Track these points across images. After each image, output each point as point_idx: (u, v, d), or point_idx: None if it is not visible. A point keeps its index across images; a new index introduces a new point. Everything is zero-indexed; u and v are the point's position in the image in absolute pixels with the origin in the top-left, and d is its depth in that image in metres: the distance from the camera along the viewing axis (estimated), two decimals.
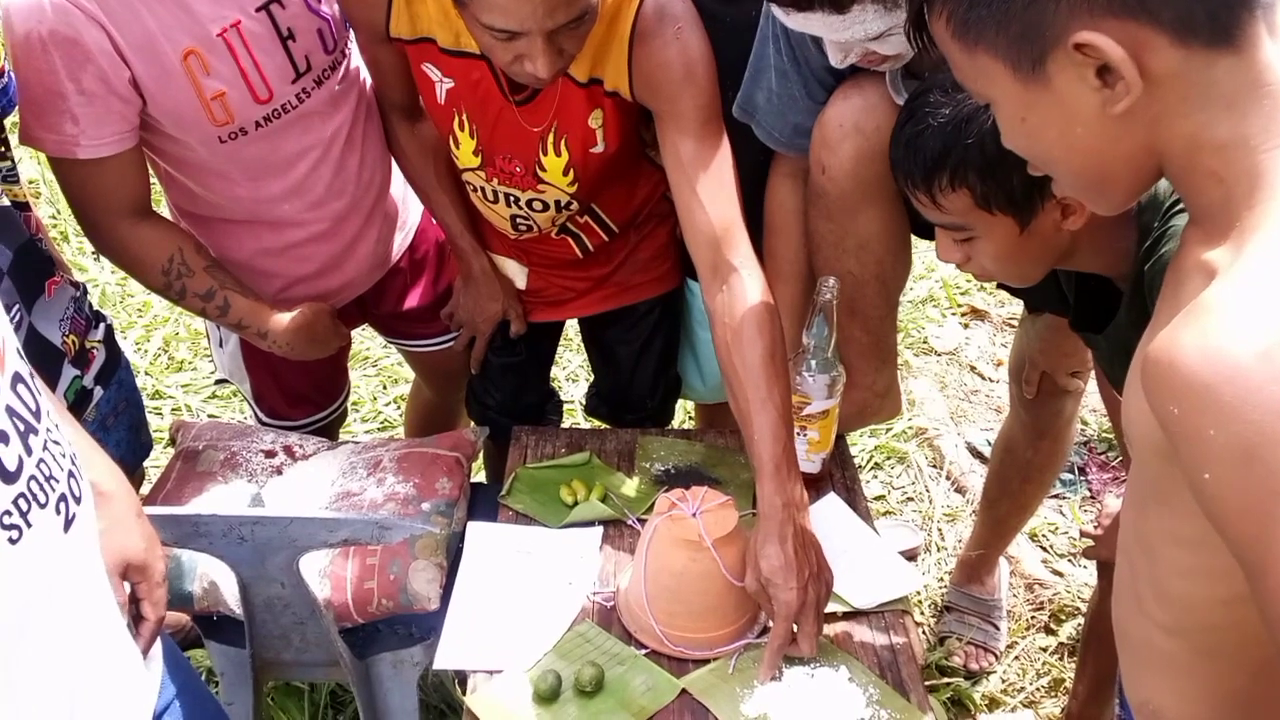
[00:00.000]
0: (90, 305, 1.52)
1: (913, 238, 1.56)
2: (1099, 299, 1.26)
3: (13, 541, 0.74)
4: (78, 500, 0.83)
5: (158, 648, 1.03)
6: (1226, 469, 0.64)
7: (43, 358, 1.37)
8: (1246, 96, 0.70)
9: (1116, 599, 0.92)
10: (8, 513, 0.74)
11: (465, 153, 1.53)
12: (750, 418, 1.30)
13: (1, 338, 0.78)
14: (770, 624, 1.25)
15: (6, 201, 1.34)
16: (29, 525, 0.76)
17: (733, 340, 1.33)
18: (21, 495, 0.75)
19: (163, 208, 1.66)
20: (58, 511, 0.80)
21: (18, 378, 0.78)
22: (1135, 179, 0.78)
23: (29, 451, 0.77)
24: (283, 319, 1.58)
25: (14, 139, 1.40)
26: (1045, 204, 1.12)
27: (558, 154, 1.47)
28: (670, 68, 1.35)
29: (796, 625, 1.23)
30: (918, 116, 1.16)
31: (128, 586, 1.01)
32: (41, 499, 0.77)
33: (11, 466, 0.75)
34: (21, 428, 0.77)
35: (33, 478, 0.77)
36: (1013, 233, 1.15)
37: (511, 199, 1.57)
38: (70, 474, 0.83)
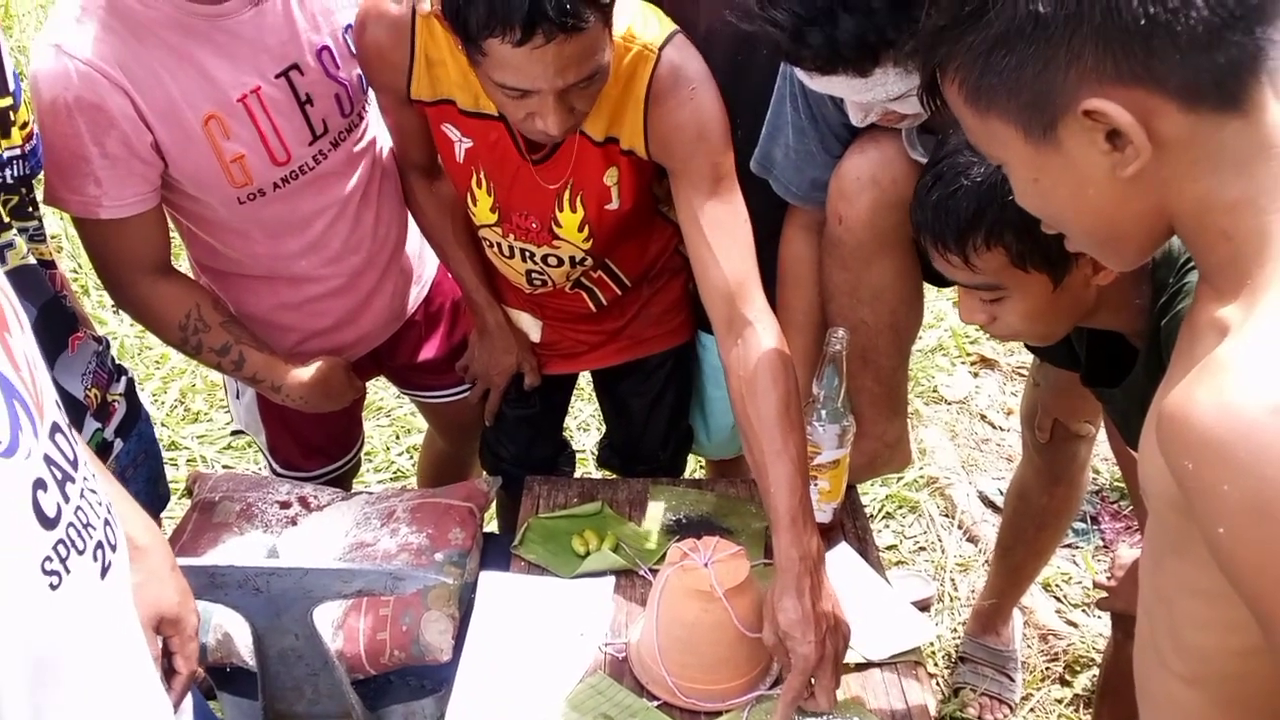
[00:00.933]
0: (112, 359, 1.55)
1: (925, 287, 1.58)
2: (1111, 355, 1.27)
3: (53, 588, 0.75)
4: (113, 548, 0.84)
5: (188, 701, 1.03)
6: (1241, 524, 0.65)
7: (65, 411, 1.39)
8: (1255, 158, 0.71)
9: (1137, 652, 0.92)
10: (48, 559, 0.75)
11: (483, 210, 1.56)
12: (765, 469, 1.30)
13: (40, 389, 0.80)
14: (784, 675, 1.24)
15: (33, 260, 1.37)
16: (68, 571, 0.77)
17: (747, 391, 1.33)
18: (61, 541, 0.76)
19: (183, 261, 1.69)
20: (95, 558, 0.81)
21: (56, 427, 0.80)
22: (1147, 237, 0.80)
23: (66, 499, 0.78)
24: (298, 373, 1.60)
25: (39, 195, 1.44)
26: (1079, 260, 1.13)
27: (573, 210, 1.51)
28: (684, 128, 1.38)
29: (814, 679, 1.23)
30: (946, 178, 1.16)
31: (160, 640, 1.02)
32: (80, 545, 0.79)
33: (50, 513, 0.76)
34: (59, 475, 0.78)
35: (71, 524, 0.78)
36: (1046, 290, 1.15)
37: (527, 254, 1.60)
38: (106, 522, 0.84)
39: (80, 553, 0.79)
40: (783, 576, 1.24)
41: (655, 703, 1.30)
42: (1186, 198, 0.74)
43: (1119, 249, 0.82)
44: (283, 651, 1.40)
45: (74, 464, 0.81)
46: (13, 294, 0.81)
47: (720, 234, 1.39)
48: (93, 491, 0.83)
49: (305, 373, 1.61)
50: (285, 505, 1.66)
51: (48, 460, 0.77)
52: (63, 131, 1.34)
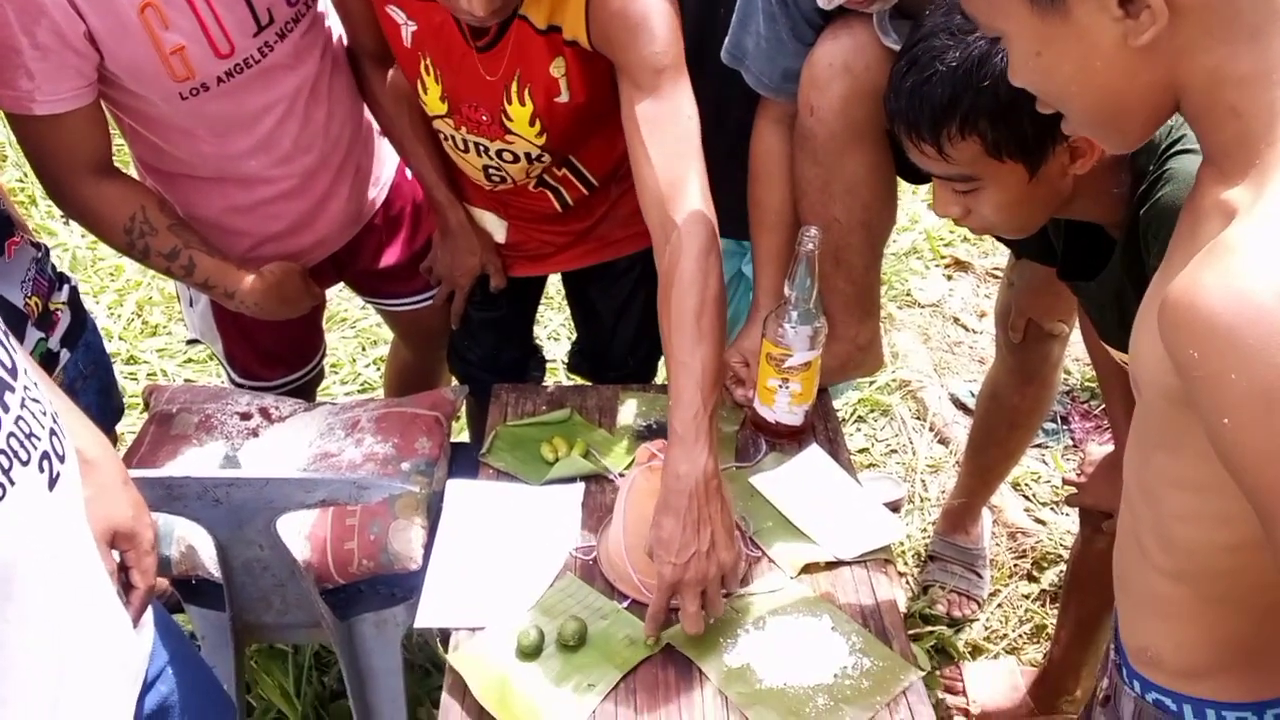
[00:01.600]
0: (53, 267, 1.49)
1: (900, 186, 1.54)
2: (1088, 247, 1.24)
3: None
4: (61, 459, 0.82)
5: (149, 614, 1.01)
6: (1247, 414, 0.63)
7: (5, 320, 1.33)
8: (1268, 28, 0.68)
9: (1118, 547, 0.92)
10: None
11: (432, 99, 1.49)
12: (671, 378, 1.24)
13: None
14: (750, 580, 1.24)
15: None
16: (11, 483, 0.74)
17: (663, 297, 1.27)
18: (1, 452, 0.73)
19: (129, 166, 1.62)
20: (41, 469, 0.78)
21: None
22: (1151, 114, 0.77)
23: (5, 409, 0.75)
24: (251, 279, 1.55)
25: None
26: (1055, 148, 1.09)
27: (522, 103, 1.44)
28: (625, 17, 1.30)
29: (680, 600, 1.20)
30: (921, 63, 1.11)
31: (117, 555, 1.00)
32: (24, 456, 0.76)
33: None
34: None
35: (12, 435, 0.75)
36: (1022, 180, 1.12)
37: (481, 149, 1.54)
38: (52, 432, 0.81)
39: (24, 464, 0.76)
40: (664, 492, 1.20)
41: (625, 603, 1.29)
42: (1197, 70, 0.70)
43: (1121, 127, 0.78)
44: (248, 563, 1.38)
45: (12, 372, 0.78)
46: None
47: (655, 133, 1.30)
48: (35, 401, 0.80)
49: (259, 278, 1.55)
50: (246, 416, 1.62)
51: None
52: None
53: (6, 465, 0.74)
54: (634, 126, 1.32)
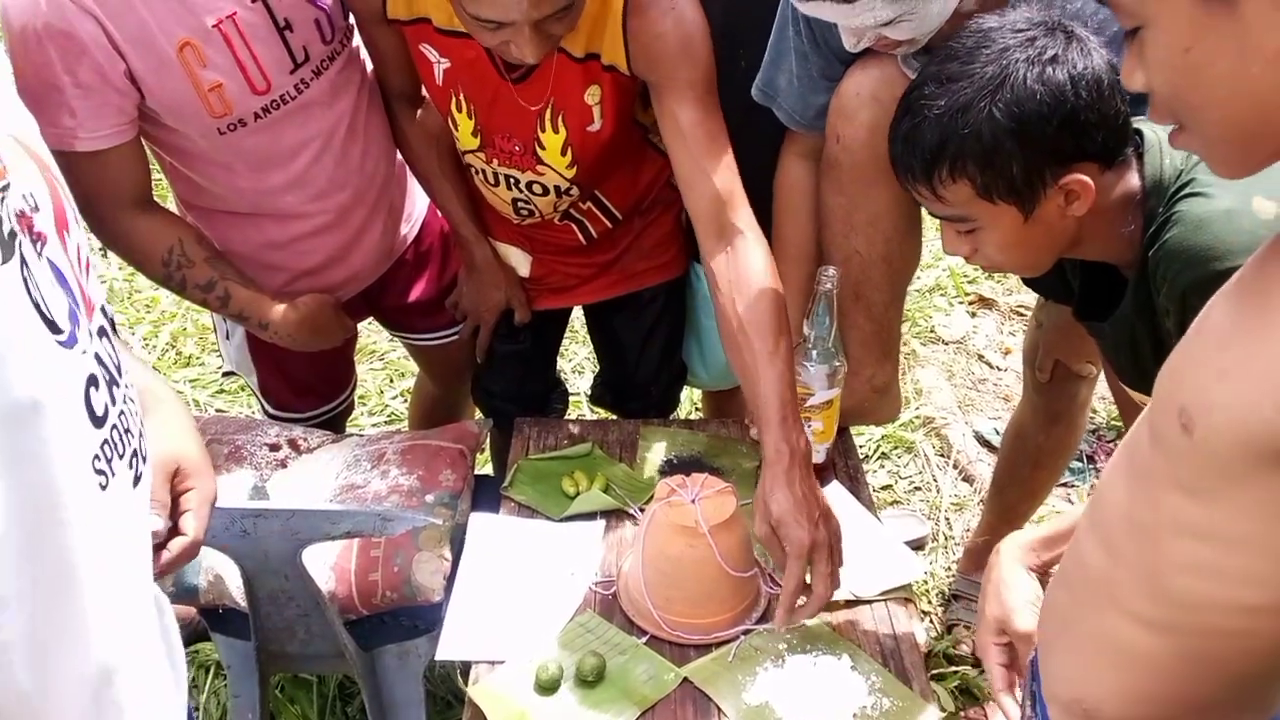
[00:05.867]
0: None
1: (924, 224, 1.55)
2: (1105, 288, 1.24)
3: (102, 487, 0.72)
4: (144, 460, 0.83)
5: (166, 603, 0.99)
6: None
7: None
8: None
9: (1064, 586, 0.84)
10: (97, 457, 0.72)
11: (464, 134, 1.53)
12: (757, 371, 1.32)
13: (90, 291, 0.78)
14: (769, 617, 1.25)
15: None
16: (113, 474, 0.74)
17: (738, 295, 1.35)
18: (106, 441, 0.74)
19: (171, 204, 1.66)
20: (130, 466, 0.79)
21: (103, 331, 0.79)
22: None
23: (114, 400, 0.76)
24: (286, 310, 1.58)
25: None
26: (1048, 190, 1.10)
27: (555, 131, 1.47)
28: (666, 39, 1.36)
29: (810, 565, 1.24)
30: (914, 110, 1.14)
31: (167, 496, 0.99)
32: (121, 450, 0.76)
33: (100, 411, 0.73)
34: (107, 377, 0.76)
35: (115, 427, 0.75)
36: (1017, 221, 1.13)
37: (512, 181, 1.57)
38: (140, 433, 0.82)
39: (120, 457, 0.76)
40: (771, 469, 1.26)
41: (643, 639, 1.30)
42: None
43: (1250, 147, 0.67)
44: (273, 593, 1.40)
45: (119, 369, 0.80)
46: (69, 193, 0.79)
47: (708, 146, 1.39)
48: (130, 400, 0.81)
49: (293, 309, 1.59)
50: (274, 448, 1.64)
51: (98, 359, 0.74)
52: (34, 61, 1.31)
53: (109, 456, 0.73)
54: (681, 140, 1.39)
